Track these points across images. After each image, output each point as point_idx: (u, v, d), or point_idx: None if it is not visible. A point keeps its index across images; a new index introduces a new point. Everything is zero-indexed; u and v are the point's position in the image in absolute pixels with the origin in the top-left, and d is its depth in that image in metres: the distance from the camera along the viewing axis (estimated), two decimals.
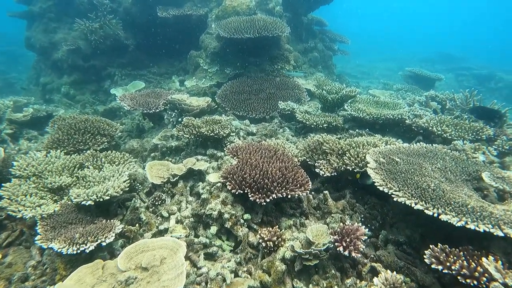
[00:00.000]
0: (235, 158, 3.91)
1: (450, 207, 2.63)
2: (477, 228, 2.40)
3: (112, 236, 2.89)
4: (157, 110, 6.00)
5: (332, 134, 5.53)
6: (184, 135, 4.90)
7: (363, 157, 3.75)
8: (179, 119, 5.87)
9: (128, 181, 3.67)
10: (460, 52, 26.17)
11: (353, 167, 3.71)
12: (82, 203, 3.12)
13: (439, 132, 4.80)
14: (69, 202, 3.38)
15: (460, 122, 5.04)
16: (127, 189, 3.54)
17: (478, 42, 40.01)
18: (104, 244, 2.82)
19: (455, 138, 4.70)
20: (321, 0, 9.26)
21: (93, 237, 2.80)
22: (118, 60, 9.63)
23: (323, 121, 5.40)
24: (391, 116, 5.28)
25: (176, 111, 5.99)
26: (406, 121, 5.28)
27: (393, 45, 31.72)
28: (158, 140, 5.66)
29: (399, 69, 22.20)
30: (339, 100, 5.88)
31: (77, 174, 3.79)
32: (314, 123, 5.38)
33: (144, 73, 9.78)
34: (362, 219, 3.52)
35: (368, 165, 3.41)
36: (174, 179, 4.27)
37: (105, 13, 8.82)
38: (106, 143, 4.75)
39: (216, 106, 6.45)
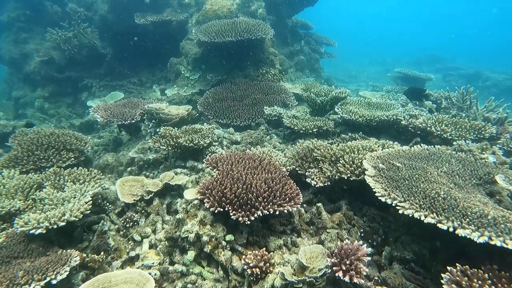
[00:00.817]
0: (215, 170, 3.45)
1: (467, 219, 2.22)
2: (504, 245, 1.98)
3: (66, 271, 2.40)
4: (133, 121, 5.53)
5: (323, 140, 5.12)
6: (161, 147, 4.43)
7: (359, 163, 3.33)
8: (157, 130, 5.40)
9: (92, 201, 3.18)
10: (447, 53, 26.25)
11: (348, 175, 3.29)
12: (31, 232, 2.62)
13: (439, 132, 4.42)
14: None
15: (459, 120, 4.68)
16: (88, 211, 3.05)
17: (463, 42, 40.47)
18: (54, 282, 2.32)
19: (456, 138, 4.32)
20: (305, 1, 8.94)
21: (40, 274, 2.30)
22: (95, 71, 9.14)
23: (312, 126, 4.99)
24: (386, 118, 4.90)
25: (154, 121, 5.52)
26: (401, 122, 4.90)
27: (380, 48, 31.79)
28: (135, 153, 5.19)
29: (387, 72, 22.04)
30: (329, 103, 5.49)
31: (34, 196, 3.29)
32: (303, 128, 4.96)
33: (124, 83, 9.30)
34: (362, 234, 3.08)
35: (366, 172, 2.98)
36: (149, 197, 3.79)
37: (79, 21, 8.35)
38: (73, 158, 4.26)
39: (198, 114, 6.00)
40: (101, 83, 9.05)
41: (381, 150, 3.53)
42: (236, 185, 2.98)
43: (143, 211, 3.69)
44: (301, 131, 5.01)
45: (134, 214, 3.59)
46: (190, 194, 3.21)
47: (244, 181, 3.03)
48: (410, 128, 4.78)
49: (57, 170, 3.80)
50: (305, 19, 10.96)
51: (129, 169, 5.01)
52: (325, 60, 11.77)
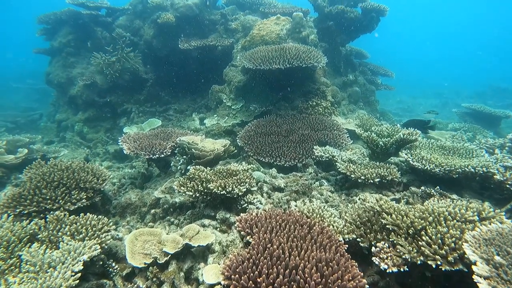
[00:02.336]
0: (248, 237, 2.58)
1: None
2: None
3: None
4: (163, 155, 4.87)
5: (386, 191, 4.11)
6: (187, 192, 3.67)
7: (452, 244, 2.31)
8: (188, 167, 4.68)
9: (90, 263, 2.42)
10: None
11: (438, 262, 2.27)
12: None
13: None
14: None
15: None
16: (76, 283, 2.28)
17: None
18: None
19: None
20: (362, 27, 8.09)
21: None
22: (136, 96, 8.82)
23: (374, 174, 4.00)
24: (472, 169, 3.80)
25: (185, 156, 4.82)
26: (495, 176, 3.77)
27: (436, 79, 29.76)
28: (161, 193, 4.48)
29: (445, 105, 20.34)
30: (394, 146, 4.48)
31: (21, 253, 2.60)
32: (362, 177, 3.99)
33: (164, 109, 8.87)
34: None
35: (474, 268, 1.96)
36: (164, 260, 2.99)
37: (123, 46, 8.11)
38: (84, 200, 3.60)
39: (236, 151, 5.23)
40: (141, 108, 8.68)
41: (487, 225, 2.46)
42: (275, 269, 2.08)
43: (154, 279, 2.88)
44: (359, 180, 4.03)
45: (141, 284, 2.79)
46: (212, 273, 2.36)
47: (287, 263, 2.13)
48: (508, 186, 3.63)
49: (61, 215, 3.14)
50: (357, 46, 10.11)
51: (152, 211, 4.32)
52: (378, 92, 10.74)
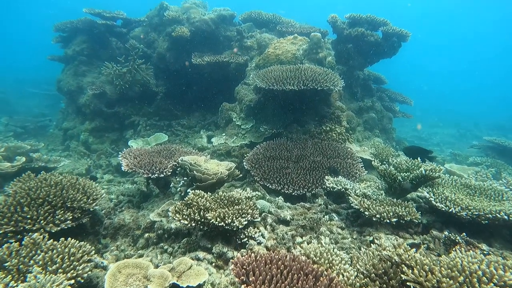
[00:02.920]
0: (244, 286, 2.20)
1: None
2: None
3: None
4: (162, 175, 4.54)
5: (404, 233, 3.69)
6: (181, 221, 3.31)
7: None
8: (189, 190, 4.34)
9: None
10: None
11: None
12: None
13: None
14: None
15: None
16: None
17: None
18: None
19: None
20: (382, 52, 7.78)
21: None
22: (144, 108, 8.61)
23: (390, 213, 3.59)
24: (505, 216, 3.36)
25: (186, 178, 4.48)
26: None
27: (452, 107, 29.12)
28: (157, 216, 4.15)
29: (462, 136, 19.70)
30: (414, 182, 4.06)
31: None
32: (378, 215, 3.58)
33: (172, 124, 8.61)
34: None
35: None
36: None
37: (135, 57, 7.94)
38: (69, 221, 3.27)
39: (241, 174, 4.87)
40: (149, 122, 8.44)
41: None
42: None
43: None
44: (373, 218, 3.62)
45: None
46: None
47: None
48: None
49: (39, 239, 2.81)
50: (374, 70, 9.77)
51: (146, 235, 3.98)
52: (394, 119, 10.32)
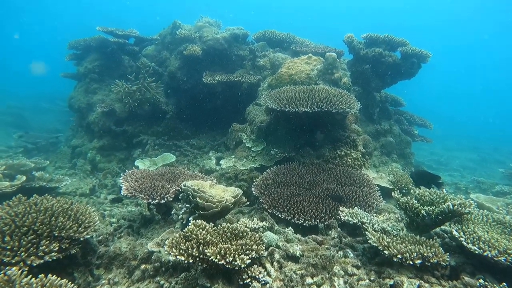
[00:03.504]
0: None
1: None
2: None
3: None
4: (163, 201, 4.23)
5: (429, 277, 3.24)
6: (177, 257, 2.97)
7: None
8: (191, 218, 4.01)
9: None
10: None
11: None
12: None
13: None
14: None
15: None
16: None
17: None
18: None
19: None
20: (401, 73, 7.43)
21: None
22: (153, 127, 8.41)
23: (414, 254, 3.16)
24: None
25: (188, 205, 4.15)
26: None
27: (471, 131, 28.25)
28: (156, 246, 3.82)
29: (483, 160, 18.92)
30: (440, 217, 3.62)
31: None
32: (399, 255, 3.15)
33: (181, 144, 8.36)
34: None
35: None
36: None
37: (145, 75, 7.80)
38: (55, 252, 2.96)
39: (248, 202, 4.52)
40: (157, 141, 8.22)
41: None
42: None
43: None
44: (394, 259, 3.19)
45: None
46: None
47: None
48: None
49: (14, 275, 2.50)
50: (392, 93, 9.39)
51: (143, 267, 3.66)
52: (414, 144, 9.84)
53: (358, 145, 6.11)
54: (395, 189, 5.68)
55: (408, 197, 3.74)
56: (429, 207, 3.59)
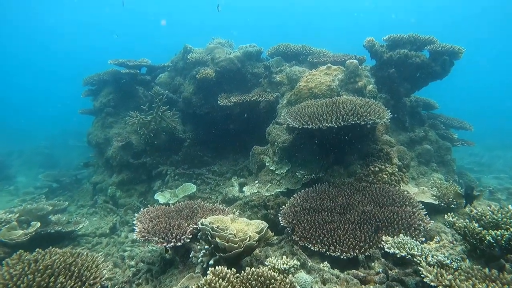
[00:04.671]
0: None
1: None
2: None
3: None
4: (179, 243, 3.77)
5: None
6: None
7: None
8: (211, 261, 3.53)
9: None
10: None
11: None
12: None
13: None
14: None
15: None
16: None
17: None
18: None
19: None
20: (431, 74, 6.77)
21: None
22: (172, 157, 8.09)
23: None
24: None
25: (207, 247, 3.67)
26: None
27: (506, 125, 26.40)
28: None
29: None
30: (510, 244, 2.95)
31: None
32: None
33: (202, 171, 7.97)
34: None
35: None
36: None
37: (159, 104, 7.53)
38: None
39: (275, 236, 3.99)
40: (177, 171, 7.87)
41: None
42: None
43: None
44: None
45: None
46: None
47: None
48: None
49: None
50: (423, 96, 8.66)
51: None
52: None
53: (393, 158, 5.48)
54: (441, 203, 5.00)
55: (467, 220, 3.10)
56: (495, 231, 2.93)
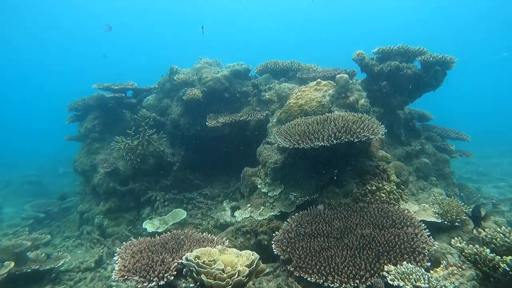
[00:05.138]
0: None
1: None
2: None
3: None
4: (163, 282, 3.42)
5: None
6: None
7: None
8: None
9: None
10: None
11: None
12: None
13: None
14: None
15: None
16: None
17: None
18: None
19: None
20: (423, 85, 6.58)
21: None
22: (161, 182, 7.75)
23: None
24: None
25: (192, 285, 3.33)
26: None
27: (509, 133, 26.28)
28: None
29: None
30: None
31: None
32: None
33: (193, 195, 7.64)
34: None
35: None
36: None
37: (146, 127, 7.25)
38: None
39: (267, 269, 3.66)
40: (166, 196, 7.52)
41: None
42: None
43: None
44: None
45: None
46: None
47: None
48: None
49: None
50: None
51: None
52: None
53: (390, 175, 5.21)
54: (445, 221, 4.71)
55: (477, 246, 2.80)
56: (510, 257, 2.63)
